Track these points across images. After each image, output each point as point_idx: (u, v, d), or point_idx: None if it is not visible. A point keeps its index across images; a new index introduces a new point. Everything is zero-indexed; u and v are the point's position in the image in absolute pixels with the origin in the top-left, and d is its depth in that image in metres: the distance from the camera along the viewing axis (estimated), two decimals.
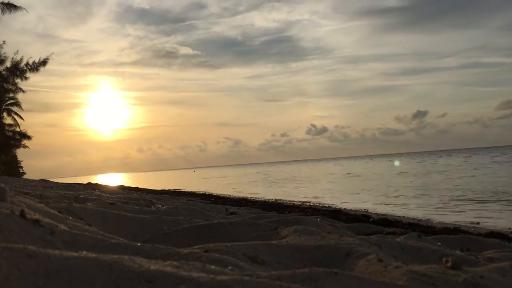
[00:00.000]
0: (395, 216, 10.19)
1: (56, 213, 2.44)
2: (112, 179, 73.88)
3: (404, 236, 2.97)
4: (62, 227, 1.60)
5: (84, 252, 1.06)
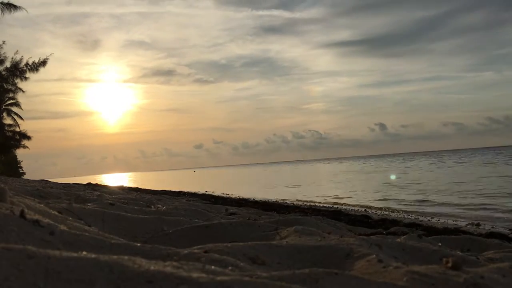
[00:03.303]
0: (395, 216, 10.19)
1: (56, 213, 2.43)
2: (113, 179, 74.21)
3: (405, 236, 2.97)
4: (62, 227, 1.60)
5: (84, 253, 1.06)
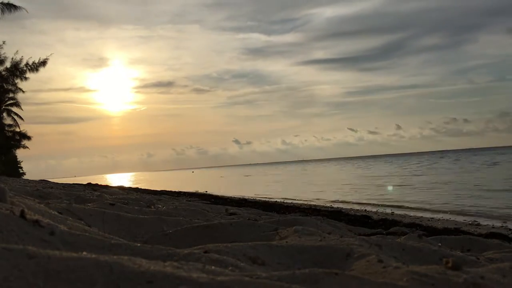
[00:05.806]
0: (395, 216, 10.19)
1: (56, 213, 2.43)
2: (114, 179, 74.37)
3: (405, 236, 2.97)
4: (62, 227, 1.60)
5: (84, 253, 1.06)
